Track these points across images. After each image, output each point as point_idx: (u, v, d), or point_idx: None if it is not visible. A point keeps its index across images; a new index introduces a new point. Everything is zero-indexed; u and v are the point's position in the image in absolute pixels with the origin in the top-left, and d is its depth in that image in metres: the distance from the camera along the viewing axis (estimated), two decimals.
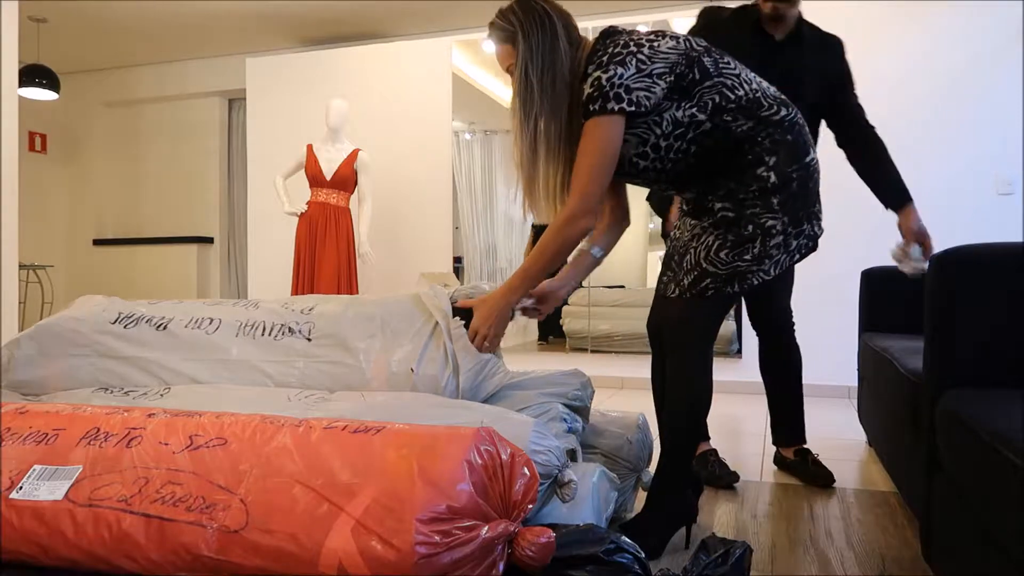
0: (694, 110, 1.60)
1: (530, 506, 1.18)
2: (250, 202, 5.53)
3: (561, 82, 1.61)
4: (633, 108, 1.55)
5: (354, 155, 4.45)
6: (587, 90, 1.56)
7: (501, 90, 5.61)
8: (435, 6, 4.80)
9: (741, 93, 1.61)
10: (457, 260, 5.13)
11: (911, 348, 1.93)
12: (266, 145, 5.40)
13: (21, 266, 4.43)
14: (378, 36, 5.41)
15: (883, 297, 2.73)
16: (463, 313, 1.71)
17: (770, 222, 1.60)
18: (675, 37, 1.63)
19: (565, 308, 6.15)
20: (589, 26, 4.87)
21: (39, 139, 6.17)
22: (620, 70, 1.54)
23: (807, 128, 1.69)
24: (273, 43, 5.64)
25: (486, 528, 1.10)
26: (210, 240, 6.06)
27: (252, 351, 1.78)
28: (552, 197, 1.65)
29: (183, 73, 6.06)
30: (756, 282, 1.62)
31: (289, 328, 1.81)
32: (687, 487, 1.72)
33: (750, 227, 1.61)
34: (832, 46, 2.39)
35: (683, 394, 1.68)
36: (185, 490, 1.19)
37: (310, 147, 4.47)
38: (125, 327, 1.87)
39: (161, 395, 1.69)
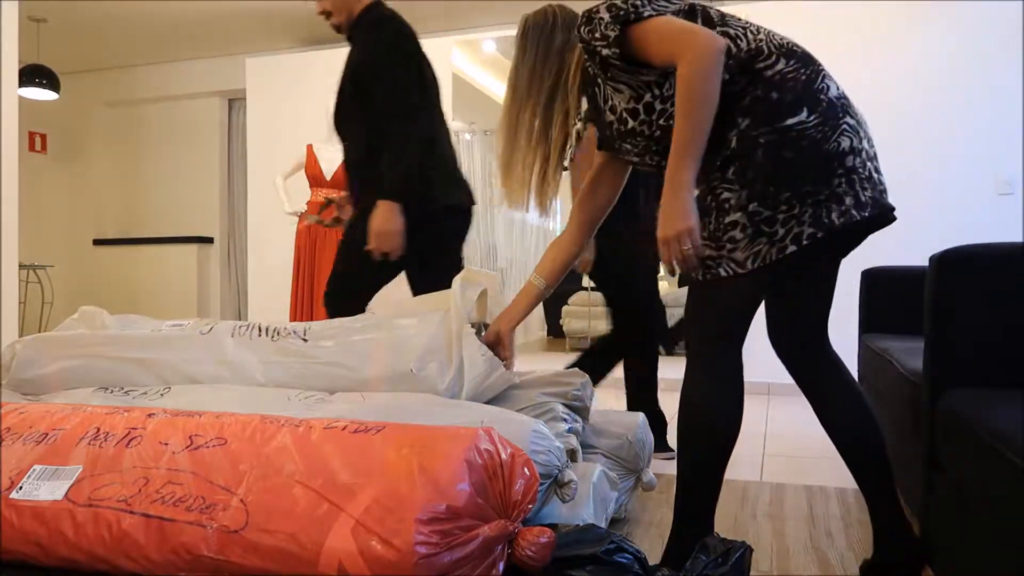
0: None
1: (530, 506, 1.18)
2: (250, 202, 5.53)
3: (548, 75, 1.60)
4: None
5: None
6: (605, 17, 1.38)
7: (501, 90, 5.60)
8: (435, 6, 4.79)
9: (743, 44, 1.38)
10: None
11: (911, 348, 1.93)
12: (266, 145, 5.39)
13: (21, 266, 4.43)
14: None
15: (883, 297, 2.73)
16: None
17: (724, 195, 1.35)
18: None
19: (565, 308, 6.16)
20: None
21: (39, 139, 6.16)
22: None
23: (821, 83, 1.37)
24: (273, 43, 5.63)
25: (486, 528, 1.10)
26: (210, 240, 6.06)
27: (248, 353, 1.78)
28: (526, 184, 1.59)
29: (183, 73, 6.05)
30: (724, 272, 1.35)
31: (284, 328, 1.81)
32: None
33: (708, 198, 1.38)
34: (371, 30, 2.09)
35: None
36: (185, 490, 1.19)
37: (310, 147, 4.46)
38: (124, 327, 1.87)
39: (161, 395, 1.69)
